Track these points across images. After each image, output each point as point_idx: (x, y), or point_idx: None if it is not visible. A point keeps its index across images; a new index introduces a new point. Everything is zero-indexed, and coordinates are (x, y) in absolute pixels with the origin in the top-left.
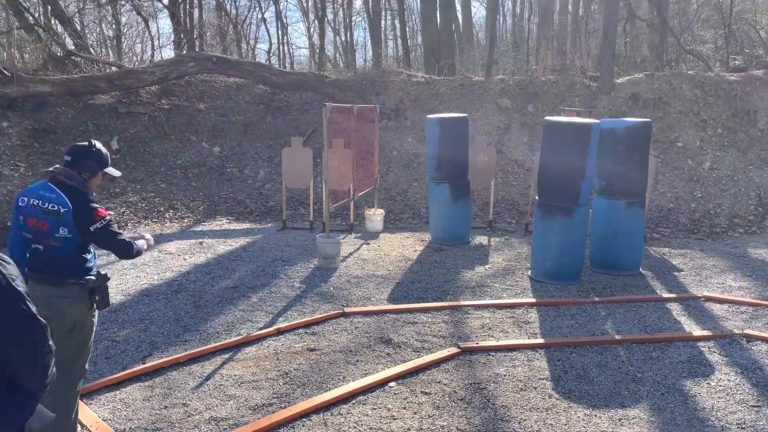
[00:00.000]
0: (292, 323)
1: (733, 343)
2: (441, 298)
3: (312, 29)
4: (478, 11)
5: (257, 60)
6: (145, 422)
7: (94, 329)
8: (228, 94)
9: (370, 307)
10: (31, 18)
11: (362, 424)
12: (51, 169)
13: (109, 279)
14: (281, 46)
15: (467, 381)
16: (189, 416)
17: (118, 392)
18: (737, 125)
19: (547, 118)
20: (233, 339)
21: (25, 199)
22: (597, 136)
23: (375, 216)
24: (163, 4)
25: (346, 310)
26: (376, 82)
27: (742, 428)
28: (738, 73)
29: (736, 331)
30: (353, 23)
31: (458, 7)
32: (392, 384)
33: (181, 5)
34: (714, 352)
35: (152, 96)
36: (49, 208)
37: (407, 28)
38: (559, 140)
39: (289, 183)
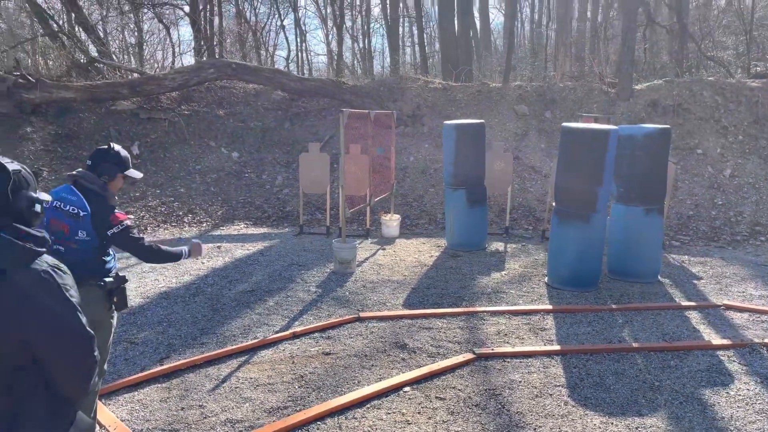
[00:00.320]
0: (307, 327)
1: (753, 353)
2: (456, 303)
3: (330, 36)
4: (496, 18)
5: (276, 67)
6: (162, 423)
7: (113, 330)
8: (247, 101)
9: (386, 312)
10: (55, 25)
11: (376, 429)
12: (74, 172)
13: (127, 281)
14: (300, 53)
15: (482, 387)
16: (205, 418)
17: (136, 393)
18: (759, 132)
19: (565, 124)
20: (249, 342)
21: (50, 200)
22: (615, 142)
23: (391, 221)
24: (184, 11)
25: (362, 314)
26: (394, 88)
27: None
28: (760, 80)
29: (756, 340)
30: (371, 30)
31: (476, 14)
32: (407, 389)
33: (202, 13)
34: (734, 361)
35: (172, 102)
36: (70, 210)
37: (425, 35)
38: (576, 146)
39: (306, 188)
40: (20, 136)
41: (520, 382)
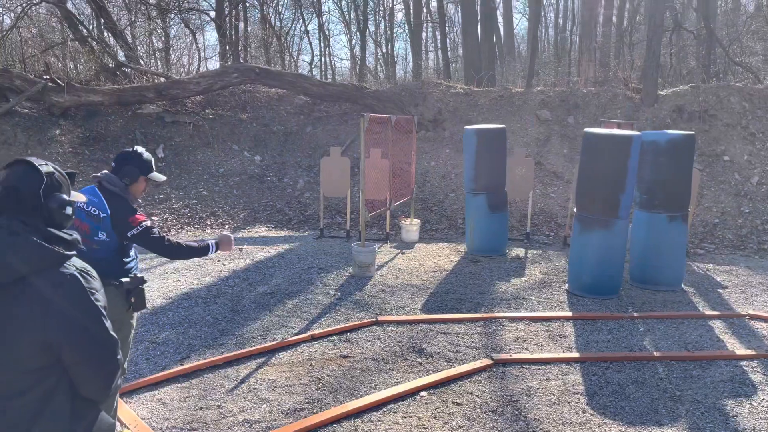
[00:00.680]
0: (326, 330)
1: None
2: (475, 309)
3: (354, 41)
4: (520, 23)
5: (299, 71)
6: (181, 422)
7: (133, 330)
8: (270, 105)
9: (404, 317)
10: (84, 30)
11: None
12: (98, 174)
13: (145, 282)
14: (323, 58)
15: (499, 393)
16: (223, 418)
17: (156, 392)
18: None
19: (587, 129)
20: (268, 344)
21: (84, 201)
22: (638, 148)
23: (411, 226)
24: (209, 17)
25: (380, 318)
26: (415, 93)
27: None
28: None
29: None
30: (394, 35)
31: (500, 19)
32: (423, 393)
33: (227, 18)
34: (757, 371)
35: (197, 106)
36: (91, 211)
37: (448, 40)
38: (598, 152)
39: (327, 192)
40: (49, 139)
41: (538, 388)
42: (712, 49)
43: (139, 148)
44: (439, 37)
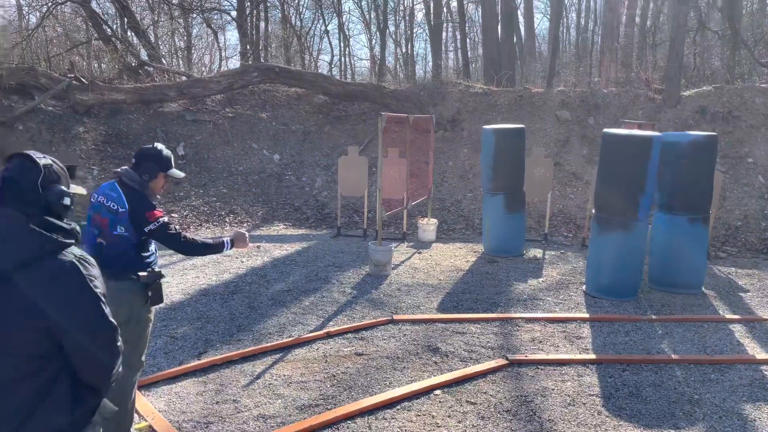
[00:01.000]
0: (341, 327)
1: None
2: (491, 309)
3: (374, 41)
4: (541, 23)
5: (319, 71)
6: (197, 415)
7: (151, 324)
8: (289, 104)
9: (419, 316)
10: (108, 30)
11: (405, 430)
12: (118, 170)
13: (162, 276)
14: (343, 58)
15: (514, 393)
16: (239, 412)
17: (173, 386)
18: None
19: (606, 130)
20: (284, 340)
21: (96, 195)
22: (658, 149)
23: (428, 226)
24: (231, 16)
25: (395, 317)
26: (434, 92)
27: None
28: None
29: None
30: (414, 35)
31: (521, 19)
32: (438, 392)
33: (249, 18)
34: None
35: (217, 104)
36: (111, 206)
37: (468, 40)
38: (618, 153)
39: (345, 191)
40: (73, 136)
41: (552, 389)
42: (737, 49)
43: (159, 145)
44: (459, 36)
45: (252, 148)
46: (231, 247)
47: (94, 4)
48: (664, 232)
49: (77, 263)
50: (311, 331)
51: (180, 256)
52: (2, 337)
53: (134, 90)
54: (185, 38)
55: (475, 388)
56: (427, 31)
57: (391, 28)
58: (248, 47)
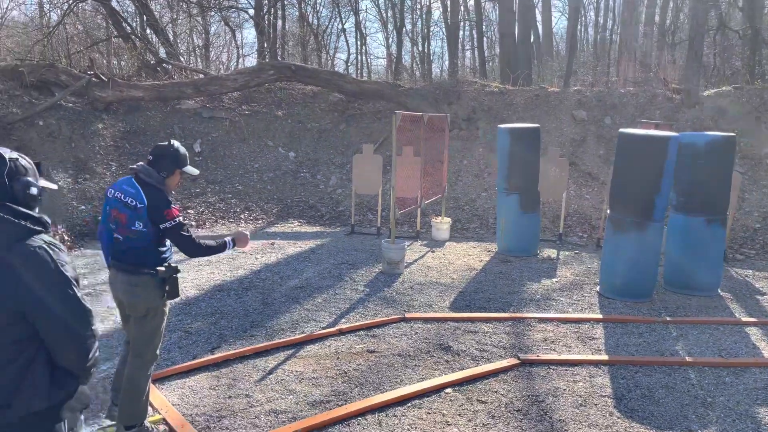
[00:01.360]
0: (353, 325)
1: None
2: (504, 309)
3: (390, 39)
4: (559, 21)
5: (335, 69)
6: (209, 409)
7: (166, 318)
8: (305, 102)
9: (431, 314)
10: (128, 27)
11: (416, 427)
12: (134, 166)
13: (179, 271)
14: (359, 56)
15: (525, 392)
16: (251, 407)
17: (187, 380)
18: None
19: (622, 130)
20: (297, 336)
21: (112, 191)
22: (675, 149)
23: (442, 224)
24: (248, 14)
25: (407, 315)
26: (449, 91)
27: None
28: None
29: None
30: (431, 33)
31: (538, 17)
32: (448, 390)
33: (266, 16)
34: None
35: (234, 102)
36: (129, 202)
37: (485, 39)
38: (633, 153)
39: (359, 189)
40: (92, 132)
41: (564, 389)
42: (758, 49)
43: (176, 143)
44: (476, 35)
45: (267, 146)
46: (233, 247)
47: (114, 2)
48: (680, 234)
49: (46, 248)
50: (323, 328)
51: None
52: None
53: (152, 87)
54: (203, 36)
55: (486, 387)
56: (443, 29)
57: (408, 27)
58: (265, 45)
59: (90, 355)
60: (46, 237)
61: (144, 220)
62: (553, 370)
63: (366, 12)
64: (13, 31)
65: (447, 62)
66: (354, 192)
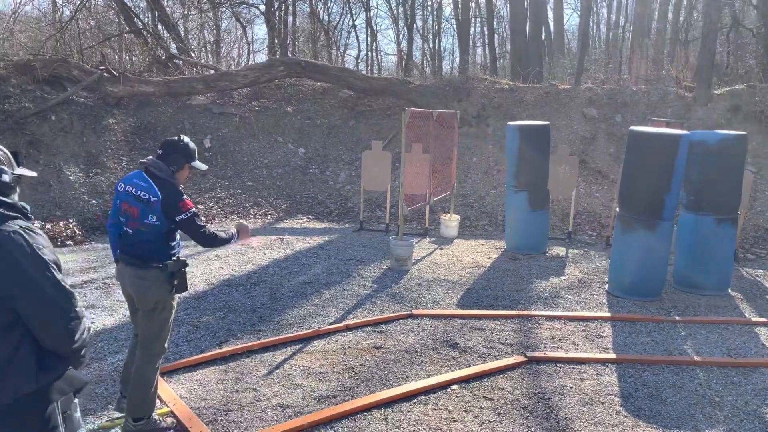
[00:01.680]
0: (361, 320)
1: None
2: (511, 306)
3: (401, 36)
4: (571, 18)
5: (345, 66)
6: (217, 403)
7: (174, 311)
8: (314, 98)
9: (439, 311)
10: (139, 23)
11: (422, 423)
12: (144, 160)
13: (187, 265)
14: (370, 53)
15: (532, 390)
16: (258, 401)
17: (195, 373)
18: None
19: (632, 127)
20: (304, 332)
21: (123, 185)
22: (685, 147)
23: (450, 221)
24: (260, 10)
25: (415, 311)
26: (459, 88)
27: None
28: None
29: None
30: (442, 30)
31: (550, 14)
32: (455, 387)
33: (277, 12)
34: None
35: (244, 98)
36: (141, 196)
37: (496, 36)
38: (643, 151)
39: (368, 185)
40: (103, 127)
41: (571, 387)
42: None
43: (185, 137)
44: (486, 32)
45: (277, 142)
46: (238, 238)
47: None
48: (690, 233)
49: (22, 232)
50: (331, 324)
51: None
52: None
53: (163, 83)
54: (214, 32)
55: (492, 384)
56: (454, 26)
57: (419, 23)
58: (276, 41)
59: (76, 336)
60: (22, 222)
61: (158, 213)
62: (560, 368)
63: (377, 8)
64: (26, 26)
65: (457, 59)
66: (363, 188)
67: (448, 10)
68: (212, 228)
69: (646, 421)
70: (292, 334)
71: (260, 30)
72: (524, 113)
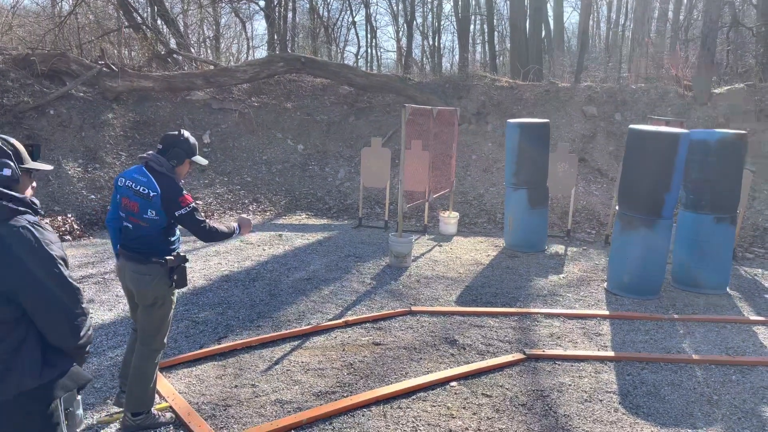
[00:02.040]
0: (360, 317)
1: None
2: (510, 304)
3: (401, 33)
4: (571, 16)
5: (345, 62)
6: (216, 398)
7: (174, 307)
8: (314, 94)
9: (438, 308)
10: (138, 18)
11: (420, 420)
12: (144, 155)
13: (187, 261)
14: (369, 49)
15: (530, 387)
16: (256, 397)
17: (194, 369)
18: None
19: (633, 126)
20: (303, 328)
21: (123, 180)
22: (685, 146)
23: (449, 219)
24: (259, 6)
25: (414, 308)
26: (459, 85)
27: None
28: None
29: None
30: (442, 27)
31: (550, 12)
32: (453, 383)
33: (276, 8)
34: None
35: (243, 94)
36: (140, 190)
37: (496, 33)
38: (643, 149)
39: (367, 182)
40: (102, 122)
41: (569, 385)
42: None
43: (185, 132)
44: (486, 29)
45: (276, 138)
46: (240, 232)
47: None
48: (689, 231)
49: (30, 227)
50: (330, 320)
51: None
52: None
53: (162, 78)
54: (213, 27)
55: (491, 381)
56: (454, 23)
57: (419, 20)
58: (275, 37)
59: (81, 333)
60: (30, 217)
61: (157, 208)
62: (559, 365)
63: (377, 5)
64: (25, 20)
65: (457, 56)
66: (362, 185)
67: (448, 7)
68: (212, 222)
69: (645, 419)
70: (291, 330)
71: (260, 26)
72: (524, 111)
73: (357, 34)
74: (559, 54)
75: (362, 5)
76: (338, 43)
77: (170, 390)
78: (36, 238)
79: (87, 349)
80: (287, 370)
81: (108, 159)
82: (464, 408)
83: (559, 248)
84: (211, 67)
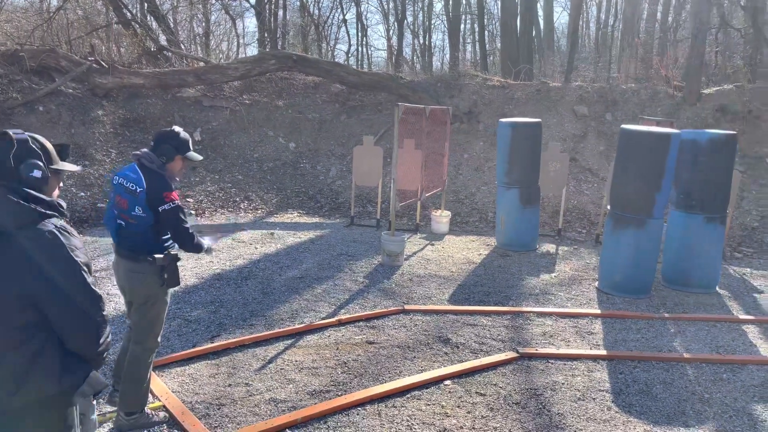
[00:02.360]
0: (353, 316)
1: None
2: (503, 302)
3: (391, 31)
4: (561, 16)
5: (336, 60)
6: (209, 397)
7: (167, 306)
8: (306, 92)
9: (431, 306)
10: (128, 14)
11: (415, 418)
12: (137, 152)
13: (179, 259)
14: (360, 48)
15: (524, 386)
16: (250, 395)
17: (187, 368)
18: None
19: (624, 126)
20: (296, 326)
21: (117, 177)
22: (676, 146)
23: (441, 218)
24: (249, 3)
25: (407, 307)
26: (451, 84)
27: None
28: None
29: None
30: (432, 26)
31: (540, 12)
32: (447, 382)
33: (267, 5)
34: None
35: (234, 91)
36: (130, 187)
37: (486, 33)
38: (635, 149)
39: (359, 180)
40: (92, 119)
41: (563, 384)
42: (760, 48)
43: (177, 128)
44: (477, 29)
45: (268, 136)
46: (207, 253)
47: None
48: (679, 231)
49: (57, 232)
50: (323, 319)
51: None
52: None
53: (153, 75)
54: (203, 24)
55: (485, 379)
56: (445, 22)
57: (410, 19)
58: (266, 35)
59: (101, 340)
60: (57, 221)
61: (143, 204)
62: (552, 364)
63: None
64: (13, 16)
65: (448, 55)
66: (354, 183)
67: (438, 6)
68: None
69: (637, 417)
70: (284, 329)
71: (250, 23)
72: (515, 110)
73: (348, 33)
74: (549, 54)
75: (353, 3)
76: (329, 41)
77: (163, 389)
78: (62, 244)
79: (105, 355)
80: (281, 368)
81: (98, 156)
82: (458, 407)
83: (550, 247)
84: (202, 64)
